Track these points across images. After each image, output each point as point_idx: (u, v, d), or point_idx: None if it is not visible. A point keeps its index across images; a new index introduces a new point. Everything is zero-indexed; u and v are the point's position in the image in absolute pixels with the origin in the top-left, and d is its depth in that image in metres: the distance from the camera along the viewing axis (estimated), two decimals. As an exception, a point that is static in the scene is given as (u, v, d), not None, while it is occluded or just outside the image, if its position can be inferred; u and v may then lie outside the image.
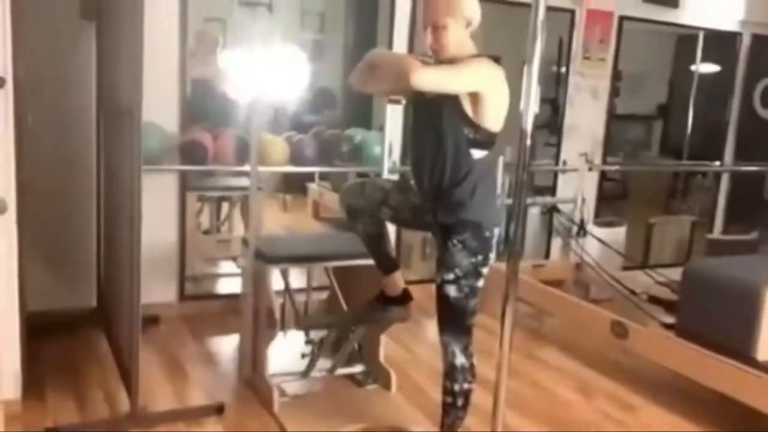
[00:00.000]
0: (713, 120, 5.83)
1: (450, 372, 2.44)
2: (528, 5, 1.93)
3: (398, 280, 2.73)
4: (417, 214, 2.49)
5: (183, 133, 3.82)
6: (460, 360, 2.42)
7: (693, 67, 5.72)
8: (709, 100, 5.81)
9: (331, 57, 6.18)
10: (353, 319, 3.01)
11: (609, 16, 4.93)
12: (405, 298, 2.74)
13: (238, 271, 4.35)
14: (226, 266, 4.74)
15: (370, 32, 4.98)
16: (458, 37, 2.30)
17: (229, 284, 4.44)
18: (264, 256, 3.01)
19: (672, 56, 6.21)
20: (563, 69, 4.98)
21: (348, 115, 5.76)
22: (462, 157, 2.30)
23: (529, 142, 2.22)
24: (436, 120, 2.31)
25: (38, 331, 3.12)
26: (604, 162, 5.18)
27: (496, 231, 2.40)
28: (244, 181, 4.15)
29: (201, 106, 4.44)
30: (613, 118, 5.23)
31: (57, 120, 3.48)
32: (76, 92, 3.55)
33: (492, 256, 2.39)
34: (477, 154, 2.31)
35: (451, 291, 2.36)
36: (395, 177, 4.38)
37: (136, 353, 2.63)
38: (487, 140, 2.32)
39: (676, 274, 3.60)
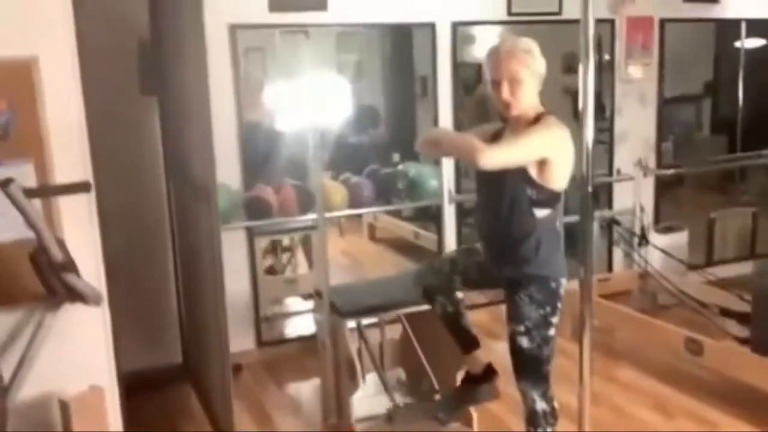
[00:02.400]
0: (764, 94, 5.65)
1: (531, 417, 2.52)
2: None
3: (480, 357, 2.79)
4: (485, 273, 2.56)
5: (246, 189, 3.99)
6: (540, 405, 2.49)
7: (737, 44, 5.53)
8: (757, 74, 5.63)
9: (369, 75, 6.22)
10: (445, 407, 3.01)
11: (650, 22, 4.87)
12: (489, 374, 2.78)
13: (308, 307, 4.50)
14: (295, 303, 4.90)
15: (407, 50, 5.05)
16: (532, 92, 2.33)
17: (302, 323, 4.60)
18: (338, 311, 3.13)
19: (714, 33, 6.06)
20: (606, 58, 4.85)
21: (392, 133, 5.83)
22: (525, 217, 2.35)
23: (590, 189, 2.27)
24: (499, 183, 2.35)
25: (132, 390, 3.29)
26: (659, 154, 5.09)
27: (563, 281, 2.45)
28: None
29: (258, 153, 4.58)
30: (663, 106, 5.11)
31: (129, 193, 3.64)
32: (145, 164, 3.75)
33: (560, 305, 2.45)
34: (540, 213, 2.35)
35: (524, 342, 2.43)
36: (453, 207, 4.49)
37: (230, 412, 2.79)
38: (550, 199, 2.36)
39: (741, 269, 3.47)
